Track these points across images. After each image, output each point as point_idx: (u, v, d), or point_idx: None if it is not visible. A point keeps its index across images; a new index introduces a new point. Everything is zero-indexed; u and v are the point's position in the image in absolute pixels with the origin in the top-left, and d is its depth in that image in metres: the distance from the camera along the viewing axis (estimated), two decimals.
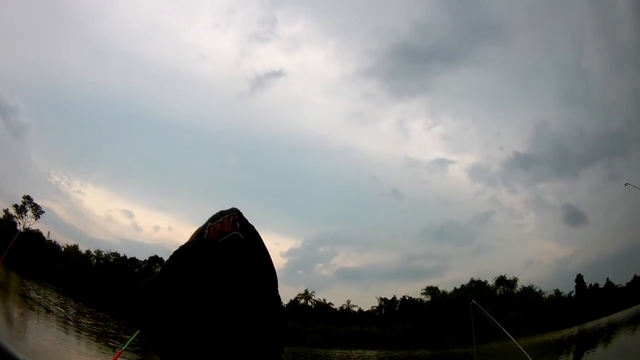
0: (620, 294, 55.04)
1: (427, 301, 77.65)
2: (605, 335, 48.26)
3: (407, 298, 79.75)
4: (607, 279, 61.33)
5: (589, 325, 53.00)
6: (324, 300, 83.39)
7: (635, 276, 56.71)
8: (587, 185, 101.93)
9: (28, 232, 64.42)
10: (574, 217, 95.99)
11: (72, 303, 54.75)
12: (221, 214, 1.66)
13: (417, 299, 78.68)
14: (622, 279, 59.27)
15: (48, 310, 46.78)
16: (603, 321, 50.74)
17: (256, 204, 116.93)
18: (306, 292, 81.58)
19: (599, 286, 61.72)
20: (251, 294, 1.47)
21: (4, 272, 46.33)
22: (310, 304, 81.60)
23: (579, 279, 63.79)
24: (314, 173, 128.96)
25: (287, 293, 79.59)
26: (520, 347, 14.70)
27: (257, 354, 1.46)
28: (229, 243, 1.52)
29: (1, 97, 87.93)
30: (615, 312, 50.36)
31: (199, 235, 1.60)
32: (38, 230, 67.94)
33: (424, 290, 79.25)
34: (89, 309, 54.64)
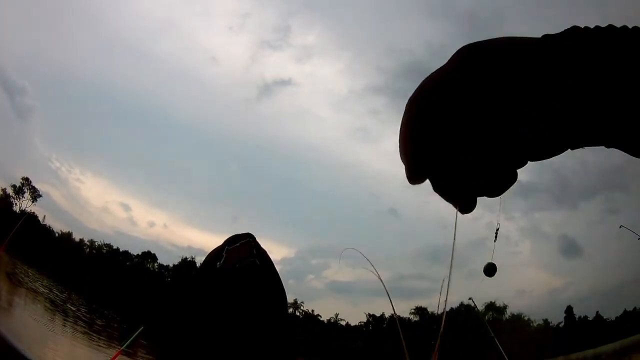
0: (609, 328, 56.69)
1: (415, 321, 79.59)
2: None
3: (395, 316, 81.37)
4: (597, 312, 63.54)
5: (574, 356, 54.56)
6: (312, 311, 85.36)
7: (625, 311, 58.70)
8: (586, 217, 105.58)
9: (24, 214, 64.29)
10: (570, 248, 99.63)
11: (75, 297, 54.68)
12: (237, 238, 1.76)
13: (405, 318, 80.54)
14: (611, 313, 61.36)
15: (56, 307, 46.55)
16: (589, 353, 52.59)
17: (253, 210, 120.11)
18: (295, 301, 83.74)
19: (588, 318, 63.83)
20: (264, 316, 1.62)
21: (7, 259, 45.52)
22: (298, 313, 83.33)
23: (569, 310, 66.31)
24: (313, 185, 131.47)
25: None
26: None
27: None
28: (246, 269, 1.65)
29: (9, 76, 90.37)
30: (603, 345, 51.83)
31: (216, 257, 1.70)
32: (34, 213, 69.47)
33: (412, 310, 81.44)
34: (94, 306, 54.41)
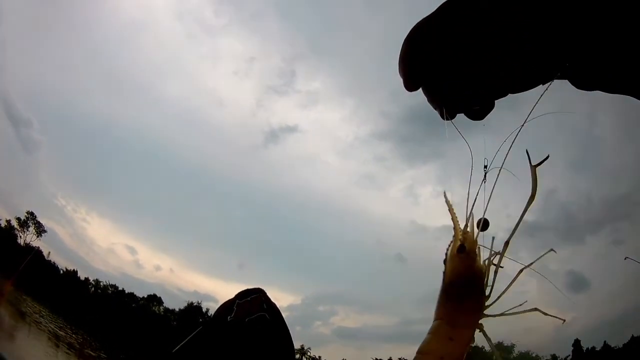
0: (617, 355, 56.12)
1: None
2: None
3: None
4: (605, 341, 62.00)
5: None
6: (319, 357, 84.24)
7: (632, 337, 57.18)
8: (592, 251, 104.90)
9: (28, 247, 65.44)
10: (577, 283, 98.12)
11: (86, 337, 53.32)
12: (247, 292, 1.80)
13: None
14: (619, 341, 59.83)
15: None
16: None
17: (259, 257, 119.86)
18: (302, 347, 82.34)
19: (596, 349, 62.44)
20: None
21: (16, 294, 45.03)
22: (305, 359, 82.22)
23: (576, 343, 64.90)
24: (319, 231, 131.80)
25: None
26: None
27: None
28: (256, 323, 1.69)
29: (16, 107, 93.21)
30: None
31: (227, 311, 1.75)
32: (38, 248, 68.81)
33: None
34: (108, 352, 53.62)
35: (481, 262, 1.05)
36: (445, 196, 1.05)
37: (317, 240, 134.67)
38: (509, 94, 0.97)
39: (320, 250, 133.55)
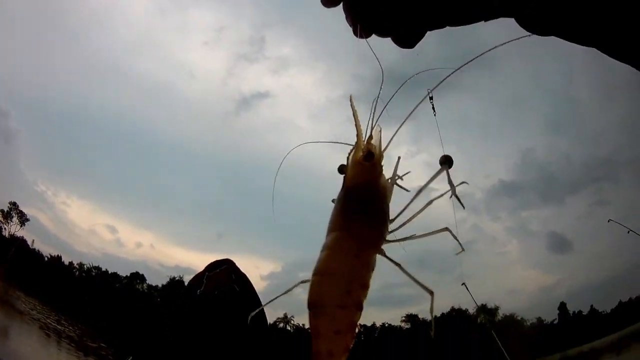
0: (604, 321, 56.13)
1: (406, 328, 79.53)
2: None
3: (386, 325, 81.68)
4: (592, 306, 63.12)
5: (571, 351, 53.94)
6: (303, 325, 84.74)
7: (620, 302, 58.13)
8: (574, 212, 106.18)
9: (13, 238, 65.54)
10: (559, 244, 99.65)
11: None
12: (217, 264, 1.83)
13: (396, 326, 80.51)
14: (606, 306, 60.62)
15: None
16: (586, 347, 51.98)
17: (237, 225, 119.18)
18: (285, 316, 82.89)
19: (583, 313, 63.62)
20: (243, 342, 1.68)
21: (8, 287, 45.01)
22: (289, 327, 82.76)
23: (562, 306, 66.07)
24: (295, 197, 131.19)
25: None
26: None
27: None
28: (225, 295, 1.73)
29: None
30: (599, 339, 51.52)
31: (197, 285, 1.79)
32: (23, 237, 68.75)
33: (403, 318, 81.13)
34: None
35: (386, 180, 1.00)
36: (350, 100, 1.00)
37: (293, 206, 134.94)
38: (447, 27, 0.91)
39: (298, 216, 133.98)
